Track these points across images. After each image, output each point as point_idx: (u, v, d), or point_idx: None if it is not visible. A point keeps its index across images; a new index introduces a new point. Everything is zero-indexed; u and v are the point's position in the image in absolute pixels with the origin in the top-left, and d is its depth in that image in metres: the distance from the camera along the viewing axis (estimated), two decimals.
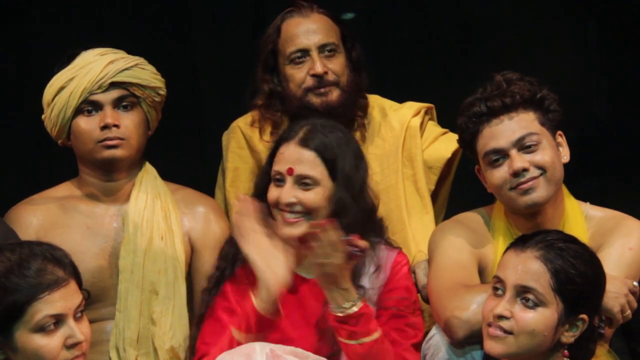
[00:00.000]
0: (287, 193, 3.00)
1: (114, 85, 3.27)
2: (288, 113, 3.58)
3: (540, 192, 3.05)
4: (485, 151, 3.08)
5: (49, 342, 2.66)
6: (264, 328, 2.90)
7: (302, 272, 3.07)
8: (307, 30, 3.53)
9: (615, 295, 2.89)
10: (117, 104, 3.28)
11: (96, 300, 3.19)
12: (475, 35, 4.67)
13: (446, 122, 3.67)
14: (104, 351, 3.23)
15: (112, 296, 3.26)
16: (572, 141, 3.17)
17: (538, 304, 2.74)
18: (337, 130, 3.09)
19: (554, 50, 4.58)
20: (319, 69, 3.50)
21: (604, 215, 3.17)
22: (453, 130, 3.42)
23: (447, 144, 3.62)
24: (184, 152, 4.53)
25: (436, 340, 3.02)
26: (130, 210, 3.30)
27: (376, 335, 2.92)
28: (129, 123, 3.28)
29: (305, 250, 2.96)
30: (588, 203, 3.20)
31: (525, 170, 3.04)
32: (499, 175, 3.07)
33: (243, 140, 3.68)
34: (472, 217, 3.24)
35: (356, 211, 3.01)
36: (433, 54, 4.68)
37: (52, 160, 3.72)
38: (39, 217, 3.31)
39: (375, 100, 3.71)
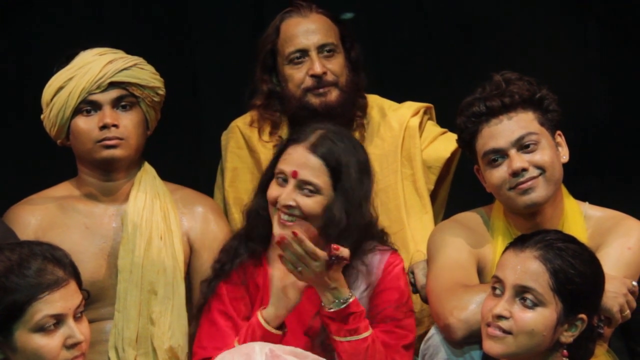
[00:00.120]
0: (287, 195, 3.00)
1: (112, 85, 3.27)
2: (287, 113, 3.59)
3: (539, 192, 3.05)
4: (484, 151, 3.08)
5: (49, 342, 2.66)
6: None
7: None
8: (306, 31, 3.53)
9: (614, 295, 2.89)
10: (116, 103, 3.28)
11: (95, 300, 3.20)
12: (475, 35, 4.67)
13: (445, 122, 3.67)
14: (103, 351, 3.23)
15: (111, 296, 3.25)
16: (571, 141, 3.17)
17: (537, 303, 2.74)
18: (348, 141, 3.09)
19: (554, 50, 4.58)
20: (318, 69, 3.50)
21: (603, 215, 3.17)
22: (452, 130, 3.43)
23: (446, 144, 3.62)
24: (183, 152, 4.53)
25: (435, 340, 3.02)
26: (129, 210, 3.30)
27: (366, 334, 2.93)
28: (127, 123, 3.28)
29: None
30: (587, 203, 3.20)
31: (524, 170, 3.04)
32: (498, 175, 3.07)
33: (242, 140, 3.68)
34: (471, 217, 3.24)
35: (346, 226, 2.99)
36: (432, 54, 4.68)
37: (51, 160, 3.71)
38: (37, 217, 3.31)
39: (375, 100, 3.71)
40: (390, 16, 4.67)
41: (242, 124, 3.70)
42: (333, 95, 3.52)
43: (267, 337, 2.91)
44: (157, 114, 3.40)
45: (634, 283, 2.97)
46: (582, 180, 3.98)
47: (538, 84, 3.12)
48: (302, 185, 3.01)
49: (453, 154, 3.62)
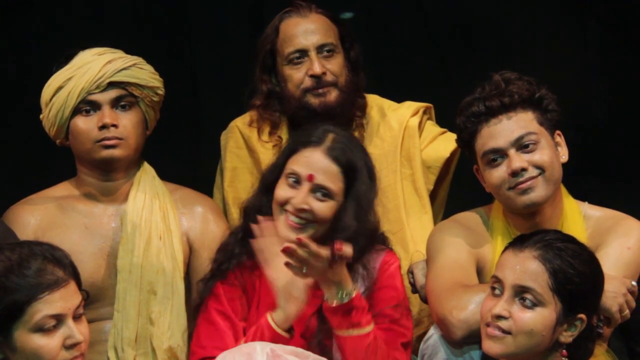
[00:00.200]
0: (302, 199, 2.98)
1: (112, 85, 3.27)
2: (286, 113, 3.59)
3: (538, 191, 3.05)
4: (483, 151, 3.08)
5: (48, 342, 2.67)
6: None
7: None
8: (306, 31, 3.53)
9: (613, 295, 2.89)
10: (115, 103, 3.28)
11: (95, 300, 3.20)
12: (475, 35, 4.67)
13: (445, 121, 3.67)
14: (103, 351, 3.23)
15: (110, 296, 3.25)
16: (570, 141, 3.17)
17: (536, 303, 2.74)
18: (358, 146, 3.10)
19: (553, 50, 4.58)
20: (317, 69, 3.49)
21: (602, 214, 3.17)
22: (452, 130, 3.43)
23: (445, 144, 3.62)
24: (182, 152, 4.53)
25: (434, 340, 3.02)
26: (129, 210, 3.30)
27: (368, 328, 2.92)
28: (127, 123, 3.28)
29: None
30: (586, 203, 3.20)
31: (523, 170, 3.04)
32: (497, 175, 3.07)
33: (241, 140, 3.68)
34: (470, 217, 3.23)
35: (355, 232, 2.99)
36: (432, 54, 4.68)
37: (51, 160, 3.72)
38: (37, 217, 3.31)
39: (374, 100, 3.71)
40: (389, 16, 4.67)
41: (241, 123, 3.70)
42: (332, 95, 3.52)
43: (276, 339, 2.90)
44: (157, 113, 3.39)
45: (634, 283, 2.97)
46: (582, 180, 3.97)
47: (537, 83, 3.11)
48: (318, 190, 2.99)
49: (452, 153, 3.62)
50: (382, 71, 4.41)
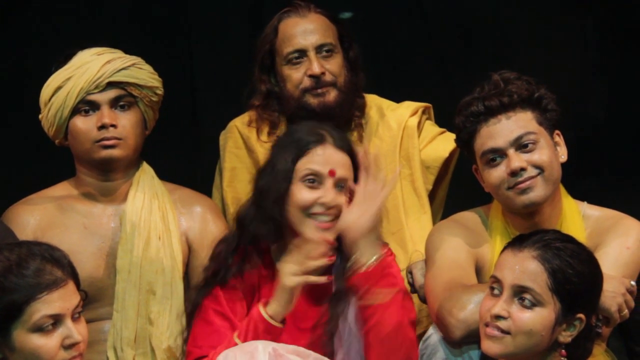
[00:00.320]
0: (332, 196, 2.95)
1: (111, 85, 3.27)
2: (285, 113, 3.58)
3: (537, 191, 3.05)
4: (482, 151, 3.08)
5: (47, 342, 2.66)
6: (269, 337, 2.89)
7: None
8: (305, 31, 3.53)
9: (612, 295, 2.89)
10: (115, 103, 3.28)
11: (94, 300, 3.20)
12: (474, 35, 4.67)
13: (444, 121, 3.67)
14: (102, 351, 3.24)
15: (109, 296, 3.25)
16: (570, 141, 3.17)
17: (535, 303, 2.74)
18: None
19: (553, 50, 4.58)
20: (316, 69, 3.49)
21: (601, 214, 3.16)
22: (451, 130, 3.42)
23: (444, 144, 3.62)
24: (182, 152, 4.54)
25: (433, 340, 3.01)
26: (128, 210, 3.30)
27: (396, 290, 2.93)
28: (126, 123, 3.28)
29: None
30: (585, 202, 3.20)
31: (523, 169, 3.03)
32: (496, 174, 3.07)
33: (240, 140, 3.68)
34: (469, 217, 3.23)
35: None
36: (431, 54, 4.68)
37: (50, 160, 3.72)
38: (36, 217, 3.31)
39: (373, 100, 3.71)
40: (389, 16, 4.67)
41: (240, 123, 3.70)
42: (331, 95, 3.51)
43: (269, 330, 2.89)
44: (156, 113, 3.39)
45: (632, 283, 2.97)
46: (581, 180, 3.98)
47: (536, 83, 3.11)
48: (339, 183, 2.98)
49: (451, 153, 3.62)
50: (381, 71, 4.41)
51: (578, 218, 3.14)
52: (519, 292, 2.75)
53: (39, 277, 2.67)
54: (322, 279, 2.93)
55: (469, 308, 2.93)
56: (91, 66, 3.25)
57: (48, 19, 4.50)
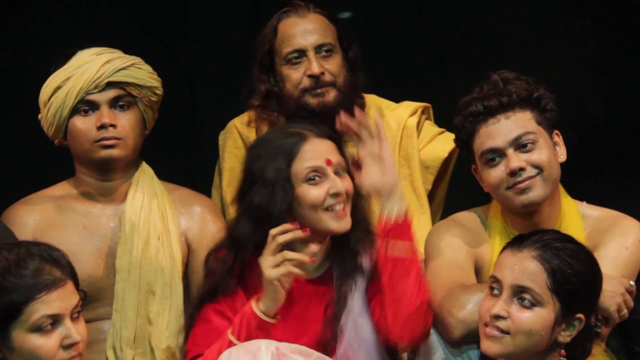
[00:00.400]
0: (339, 183, 2.96)
1: (110, 84, 3.26)
2: (285, 113, 3.58)
3: (537, 191, 3.04)
4: (482, 151, 3.08)
5: (46, 342, 2.66)
6: (262, 333, 2.88)
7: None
8: (304, 31, 3.53)
9: (611, 295, 2.89)
10: (114, 103, 3.28)
11: (93, 300, 3.19)
12: (474, 35, 4.67)
13: (443, 121, 3.67)
14: (101, 351, 3.23)
15: (109, 296, 3.25)
16: (569, 140, 3.17)
17: (535, 303, 2.74)
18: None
19: (552, 50, 4.58)
20: (315, 69, 3.49)
21: (600, 214, 3.16)
22: (450, 130, 3.42)
23: (444, 144, 3.62)
24: (181, 152, 4.53)
25: (433, 340, 3.01)
26: (127, 210, 3.30)
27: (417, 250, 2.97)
28: (125, 123, 3.28)
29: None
30: (584, 202, 3.20)
31: (522, 169, 3.03)
32: (495, 174, 3.07)
33: (240, 140, 3.68)
34: (468, 217, 3.23)
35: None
36: (431, 54, 4.68)
37: (50, 160, 3.71)
38: (35, 217, 3.31)
39: (372, 100, 3.71)
40: (388, 15, 4.67)
41: (239, 123, 3.70)
42: (331, 95, 3.52)
43: (263, 326, 2.88)
44: (155, 113, 3.39)
45: (632, 283, 2.97)
46: (580, 180, 3.98)
47: (535, 83, 3.11)
48: (337, 170, 2.98)
49: (451, 153, 3.62)
50: (380, 71, 4.41)
51: (577, 218, 3.14)
52: (519, 292, 2.75)
53: (37, 277, 2.67)
54: (302, 274, 2.92)
55: (468, 308, 2.93)
56: (90, 66, 3.25)
57: (48, 19, 4.50)
